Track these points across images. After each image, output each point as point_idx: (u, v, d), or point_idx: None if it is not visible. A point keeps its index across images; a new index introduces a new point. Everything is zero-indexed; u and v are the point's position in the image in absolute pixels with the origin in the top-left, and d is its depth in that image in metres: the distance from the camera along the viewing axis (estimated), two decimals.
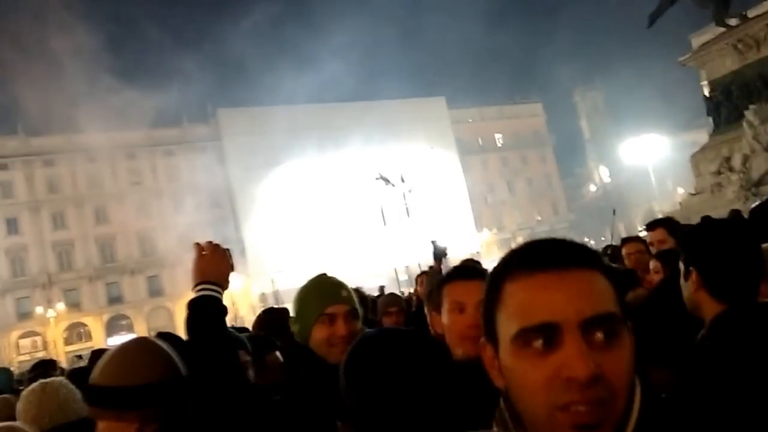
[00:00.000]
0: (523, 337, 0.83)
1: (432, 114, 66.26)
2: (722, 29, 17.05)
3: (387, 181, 45.17)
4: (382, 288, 12.36)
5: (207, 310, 1.95)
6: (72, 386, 2.64)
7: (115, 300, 53.04)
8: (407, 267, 44.06)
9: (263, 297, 48.58)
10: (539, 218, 71.74)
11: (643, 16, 18.62)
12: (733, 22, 16.83)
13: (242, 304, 47.82)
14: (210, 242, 2.05)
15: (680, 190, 44.57)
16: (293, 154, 56.38)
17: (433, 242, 7.81)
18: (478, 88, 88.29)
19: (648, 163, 50.87)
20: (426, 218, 58.20)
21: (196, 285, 2.04)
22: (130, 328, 49.29)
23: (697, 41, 18.61)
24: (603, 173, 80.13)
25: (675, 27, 22.36)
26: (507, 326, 0.86)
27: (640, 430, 0.84)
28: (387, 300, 5.23)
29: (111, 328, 50.81)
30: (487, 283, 0.91)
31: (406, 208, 50.71)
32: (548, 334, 0.82)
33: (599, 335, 0.82)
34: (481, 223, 65.94)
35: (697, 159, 17.49)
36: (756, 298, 1.92)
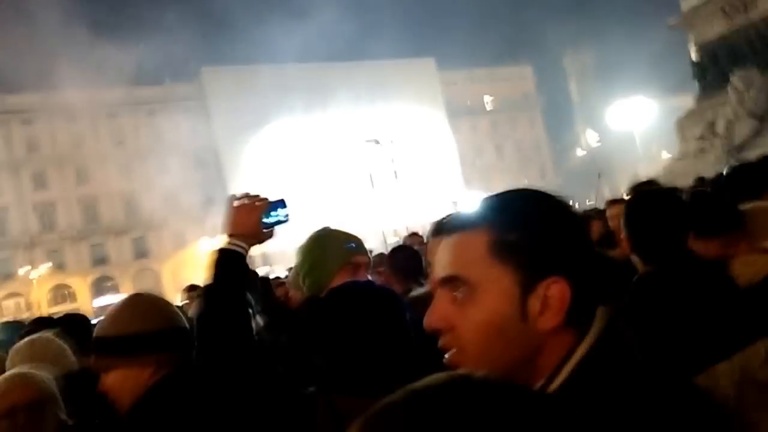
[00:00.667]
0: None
1: (421, 75, 65.72)
2: None
3: (376, 141, 45.02)
4: (369, 251, 12.44)
5: (225, 265, 1.86)
6: (60, 341, 2.65)
7: (100, 261, 52.57)
8: (395, 230, 44.19)
9: (251, 259, 48.47)
10: (526, 182, 71.95)
11: None
12: None
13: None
14: (247, 194, 1.95)
15: (665, 155, 44.84)
16: (280, 113, 55.83)
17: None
18: (468, 49, 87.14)
19: (634, 128, 50.93)
20: (415, 180, 58.24)
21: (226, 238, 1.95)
22: (116, 290, 49.02)
23: (686, 4, 18.48)
24: (590, 137, 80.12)
25: None
26: None
27: (567, 387, 0.90)
28: (376, 260, 5.26)
29: (97, 290, 50.55)
30: None
31: (395, 171, 50.64)
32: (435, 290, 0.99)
33: (455, 293, 0.94)
34: (470, 186, 66.10)
35: (682, 123, 17.61)
36: (683, 258, 2.08)
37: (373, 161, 49.79)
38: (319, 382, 1.47)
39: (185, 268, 48.93)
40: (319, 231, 2.38)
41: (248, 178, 54.52)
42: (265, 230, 1.93)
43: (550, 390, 0.91)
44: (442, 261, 0.97)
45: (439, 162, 64.10)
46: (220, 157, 56.21)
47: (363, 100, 59.46)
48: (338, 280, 2.11)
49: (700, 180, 7.04)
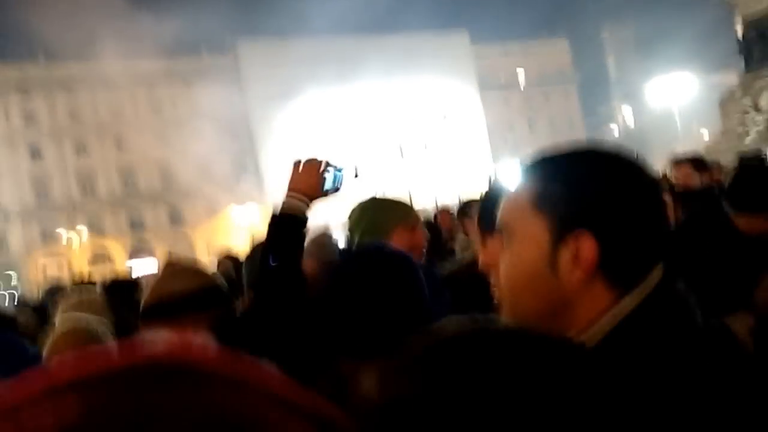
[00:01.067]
0: None
1: (454, 48, 64.96)
2: None
3: (405, 113, 44.79)
4: None
5: (287, 218, 1.92)
6: (98, 324, 2.65)
7: (137, 226, 54.31)
8: (423, 206, 43.98)
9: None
10: None
11: None
12: None
13: (261, 231, 48.49)
14: (314, 158, 1.98)
15: (704, 133, 43.83)
16: (312, 85, 55.97)
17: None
18: (502, 23, 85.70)
19: (674, 104, 49.84)
20: (444, 153, 57.95)
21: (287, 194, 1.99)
22: (152, 252, 50.45)
23: None
24: (627, 113, 78.68)
25: None
26: None
27: (604, 342, 0.89)
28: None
29: (133, 253, 52.03)
30: None
31: (425, 143, 50.28)
32: None
33: (502, 239, 1.00)
34: (500, 161, 65.61)
35: (725, 100, 17.18)
36: None
37: (403, 133, 49.59)
38: (324, 345, 1.49)
39: (217, 234, 50.32)
40: (377, 197, 2.49)
41: (279, 148, 54.99)
42: (325, 191, 1.98)
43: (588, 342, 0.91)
44: (500, 210, 1.02)
45: (469, 135, 63.63)
46: (252, 127, 56.77)
47: (394, 73, 59.16)
48: (395, 238, 2.19)
49: (754, 156, 6.89)
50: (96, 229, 51.68)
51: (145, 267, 29.63)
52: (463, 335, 0.59)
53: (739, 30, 18.01)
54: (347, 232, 2.42)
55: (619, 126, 79.49)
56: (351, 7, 66.71)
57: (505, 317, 1.01)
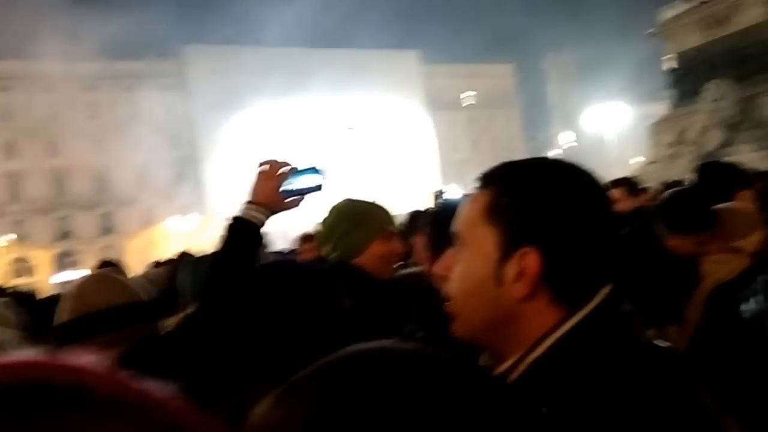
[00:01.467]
0: None
1: (403, 67, 65.69)
2: (690, 4, 17.38)
3: (351, 129, 44.96)
4: None
5: (236, 233, 1.74)
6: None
7: (64, 235, 51.69)
8: None
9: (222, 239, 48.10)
10: None
11: None
12: None
13: (198, 244, 47.42)
14: (274, 160, 1.82)
15: (637, 160, 45.70)
16: (259, 96, 55.31)
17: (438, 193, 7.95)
18: (450, 44, 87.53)
19: (609, 131, 51.76)
20: (391, 170, 58.36)
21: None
22: (78, 265, 48.02)
23: (665, 14, 18.94)
24: (565, 138, 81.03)
25: None
26: None
27: (542, 361, 0.90)
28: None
29: (59, 264, 49.55)
30: None
31: (371, 160, 50.50)
32: None
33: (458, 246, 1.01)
34: (446, 179, 66.54)
35: (655, 129, 18.00)
36: None
37: (350, 148, 49.68)
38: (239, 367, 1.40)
39: (152, 246, 48.07)
40: (352, 199, 2.33)
41: (222, 158, 54.20)
42: (289, 199, 1.80)
43: (527, 362, 0.91)
44: (456, 219, 1.02)
45: (417, 154, 64.31)
46: (195, 136, 55.56)
47: (343, 88, 59.25)
48: (376, 248, 2.15)
49: (676, 183, 7.31)
50: (21, 237, 48.83)
51: (72, 278, 28.40)
52: (352, 356, 0.57)
53: (669, 64, 19.01)
54: (319, 239, 2.34)
55: (559, 150, 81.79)
56: (301, 20, 66.90)
57: (455, 329, 0.99)
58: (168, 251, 46.84)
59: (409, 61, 67.20)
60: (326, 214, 2.29)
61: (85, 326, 1.75)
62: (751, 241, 2.36)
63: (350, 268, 2.13)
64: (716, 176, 3.49)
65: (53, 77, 48.22)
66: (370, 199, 2.36)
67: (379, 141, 58.96)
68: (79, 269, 43.29)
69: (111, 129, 51.95)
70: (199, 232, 49.19)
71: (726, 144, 15.28)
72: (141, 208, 52.29)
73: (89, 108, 52.88)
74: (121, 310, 1.78)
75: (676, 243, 2.52)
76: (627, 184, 5.27)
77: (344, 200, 2.33)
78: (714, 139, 15.59)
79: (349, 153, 49.18)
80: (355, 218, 2.22)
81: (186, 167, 53.94)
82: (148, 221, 52.55)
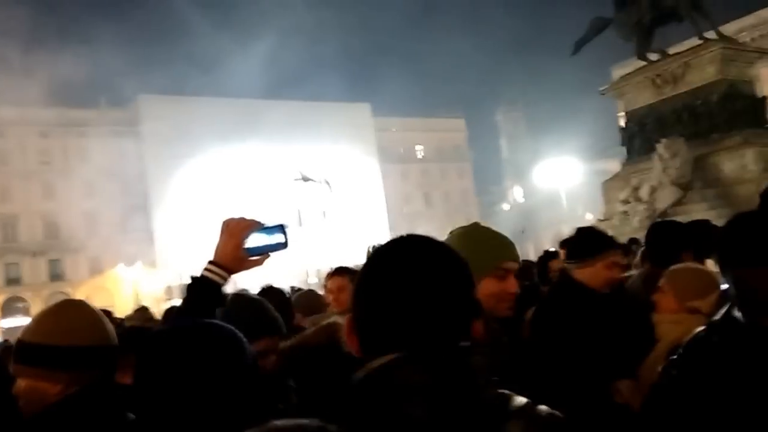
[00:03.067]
0: None
1: (356, 119, 66.20)
2: (642, 63, 17.55)
3: (308, 179, 44.77)
4: (295, 289, 11.82)
5: (196, 293, 1.80)
6: None
7: (13, 281, 50.73)
8: (318, 270, 43.53)
9: (169, 290, 46.97)
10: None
11: (570, 42, 18.99)
12: (653, 57, 17.35)
13: (146, 293, 46.03)
14: (241, 218, 1.85)
15: (589, 216, 46.16)
16: (212, 146, 55.17)
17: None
18: (404, 98, 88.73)
19: (561, 187, 52.48)
20: (342, 222, 57.89)
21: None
22: (26, 312, 46.69)
23: (617, 72, 19.17)
24: (517, 193, 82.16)
25: (599, 56, 22.96)
26: None
27: None
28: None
29: (7, 310, 48.44)
30: None
31: (323, 211, 50.05)
32: None
33: None
34: (396, 232, 66.16)
35: (607, 186, 17.95)
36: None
37: (302, 199, 49.18)
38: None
39: (100, 294, 47.26)
40: (466, 227, 2.19)
41: (174, 208, 53.27)
42: (254, 257, 1.84)
43: None
44: None
45: (367, 206, 64.17)
46: (147, 185, 54.88)
47: (296, 139, 59.40)
48: (488, 286, 1.96)
49: (633, 240, 7.20)
50: None
51: (20, 324, 27.31)
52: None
53: (622, 121, 19.10)
54: None
55: (511, 205, 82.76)
56: (257, 72, 66.99)
57: None
58: (116, 300, 45.66)
59: (361, 113, 67.71)
60: (448, 237, 2.13)
61: (36, 356, 1.70)
62: (707, 302, 2.43)
63: None
64: (666, 236, 3.59)
65: (4, 123, 47.84)
66: (500, 230, 2.22)
67: (331, 192, 58.58)
68: (27, 316, 42.41)
69: (62, 175, 51.36)
70: (147, 281, 47.98)
71: (678, 203, 15.24)
72: (90, 255, 51.73)
73: (41, 154, 52.36)
74: (89, 351, 1.73)
75: (579, 273, 2.86)
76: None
77: (472, 224, 2.22)
78: (666, 197, 15.58)
79: (301, 203, 48.56)
80: (467, 249, 1.94)
81: (137, 216, 53.21)
82: (97, 268, 52.05)
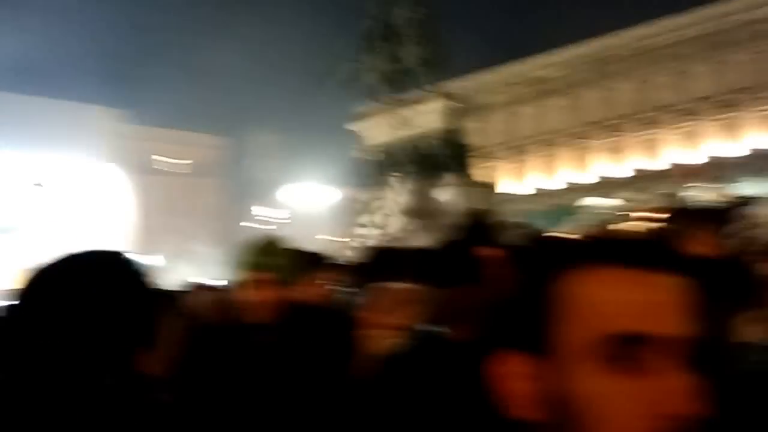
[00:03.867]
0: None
1: (103, 125, 61.90)
2: (379, 105, 19.58)
3: (40, 185, 40.80)
4: None
5: None
6: None
7: None
8: None
9: None
10: (198, 248, 71.09)
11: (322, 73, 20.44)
12: (392, 100, 19.42)
13: None
14: None
15: (329, 239, 48.89)
16: None
17: None
18: (160, 109, 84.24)
19: (305, 210, 54.65)
20: (81, 231, 53.67)
21: None
22: None
23: (359, 110, 21.00)
24: (265, 213, 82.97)
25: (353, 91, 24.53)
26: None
27: None
28: None
29: None
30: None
31: (57, 219, 45.88)
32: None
33: None
34: (144, 246, 63.07)
35: (346, 212, 19.58)
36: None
37: (37, 205, 44.70)
38: None
39: None
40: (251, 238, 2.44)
41: None
42: None
43: None
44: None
45: (112, 217, 60.21)
46: None
47: (32, 141, 53.79)
48: (241, 295, 2.28)
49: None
50: None
51: None
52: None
53: (361, 154, 20.84)
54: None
55: (258, 224, 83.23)
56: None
57: None
58: None
59: (108, 118, 63.58)
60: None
61: None
62: (408, 317, 2.47)
63: None
64: (379, 257, 3.64)
65: None
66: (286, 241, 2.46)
67: (69, 201, 54.05)
68: None
69: None
70: None
71: (406, 231, 17.06)
72: None
73: None
74: None
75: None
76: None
77: (258, 236, 2.47)
78: (396, 224, 17.40)
79: (36, 211, 44.09)
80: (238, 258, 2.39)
81: None
82: None
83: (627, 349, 0.65)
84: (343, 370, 2.21)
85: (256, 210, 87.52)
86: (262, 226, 77.51)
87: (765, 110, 30.78)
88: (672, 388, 0.64)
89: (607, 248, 0.71)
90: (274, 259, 2.38)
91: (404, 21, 19.32)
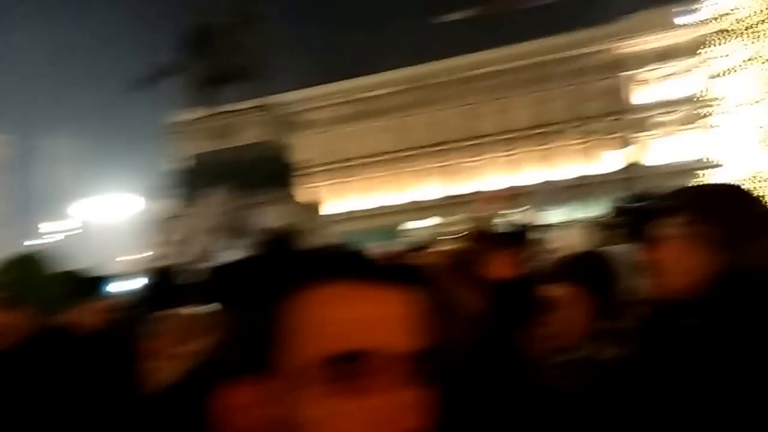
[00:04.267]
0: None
1: None
2: (196, 114, 18.25)
3: None
4: None
5: None
6: None
7: None
8: None
9: None
10: None
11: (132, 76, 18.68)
12: (212, 109, 18.16)
13: None
14: None
15: (125, 252, 45.46)
16: None
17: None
18: None
19: (105, 223, 50.58)
20: None
21: None
22: None
23: (175, 118, 19.56)
24: (55, 228, 75.86)
25: (172, 97, 22.99)
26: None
27: None
28: None
29: None
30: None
31: None
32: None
33: None
34: None
35: (150, 227, 17.90)
36: None
37: None
38: None
39: None
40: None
41: None
42: None
43: None
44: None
45: None
46: None
47: None
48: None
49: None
50: None
51: None
52: None
53: (171, 165, 19.41)
54: None
55: (44, 237, 76.27)
56: None
57: None
58: None
59: None
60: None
61: None
62: (198, 344, 2.44)
63: None
64: (167, 281, 3.63)
65: None
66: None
67: None
68: None
69: None
70: None
71: (210, 248, 15.96)
72: None
73: None
74: None
75: None
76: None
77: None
78: (200, 243, 16.14)
79: None
80: None
81: None
82: None
83: (347, 368, 0.64)
84: (104, 404, 2.16)
85: (45, 225, 79.72)
86: (48, 242, 71.12)
87: (577, 142, 33.74)
88: (396, 405, 0.65)
89: (329, 265, 0.71)
90: (21, 279, 2.27)
91: (223, 27, 18.36)
